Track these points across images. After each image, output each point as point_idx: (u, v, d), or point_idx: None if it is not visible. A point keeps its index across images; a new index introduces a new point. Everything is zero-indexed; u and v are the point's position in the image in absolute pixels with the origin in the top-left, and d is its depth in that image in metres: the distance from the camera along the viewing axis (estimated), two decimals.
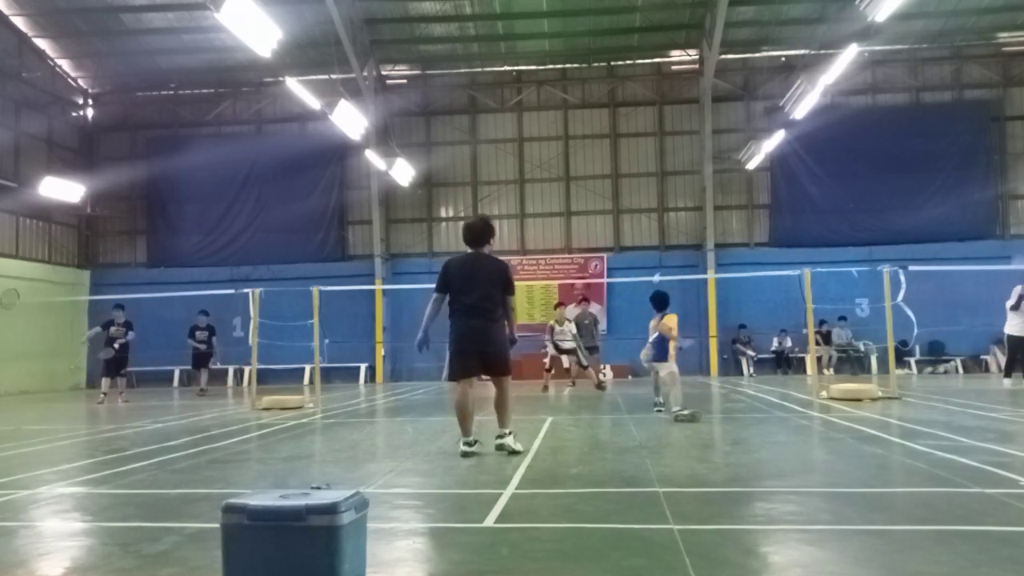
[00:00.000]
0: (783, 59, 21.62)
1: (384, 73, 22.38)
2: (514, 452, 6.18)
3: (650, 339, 9.98)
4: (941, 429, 7.25)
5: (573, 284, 21.13)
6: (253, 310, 12.62)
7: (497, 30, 21.13)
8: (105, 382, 14.83)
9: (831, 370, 19.51)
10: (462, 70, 22.80)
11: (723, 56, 20.61)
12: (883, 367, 17.07)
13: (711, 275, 20.08)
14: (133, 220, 23.36)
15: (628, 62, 22.49)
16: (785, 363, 20.47)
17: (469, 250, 6.52)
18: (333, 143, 21.18)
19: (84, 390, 20.58)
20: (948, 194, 20.55)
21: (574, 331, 15.49)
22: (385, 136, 21.31)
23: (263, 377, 16.22)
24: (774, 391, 13.51)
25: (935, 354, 20.18)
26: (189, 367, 17.84)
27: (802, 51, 20.67)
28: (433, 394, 15.43)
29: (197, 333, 16.70)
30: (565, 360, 20.22)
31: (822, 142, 20.74)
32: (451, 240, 22.62)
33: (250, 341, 12.82)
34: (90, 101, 23.61)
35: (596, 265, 21.72)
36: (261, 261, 21.79)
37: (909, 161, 20.63)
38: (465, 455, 6.16)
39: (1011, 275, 14.99)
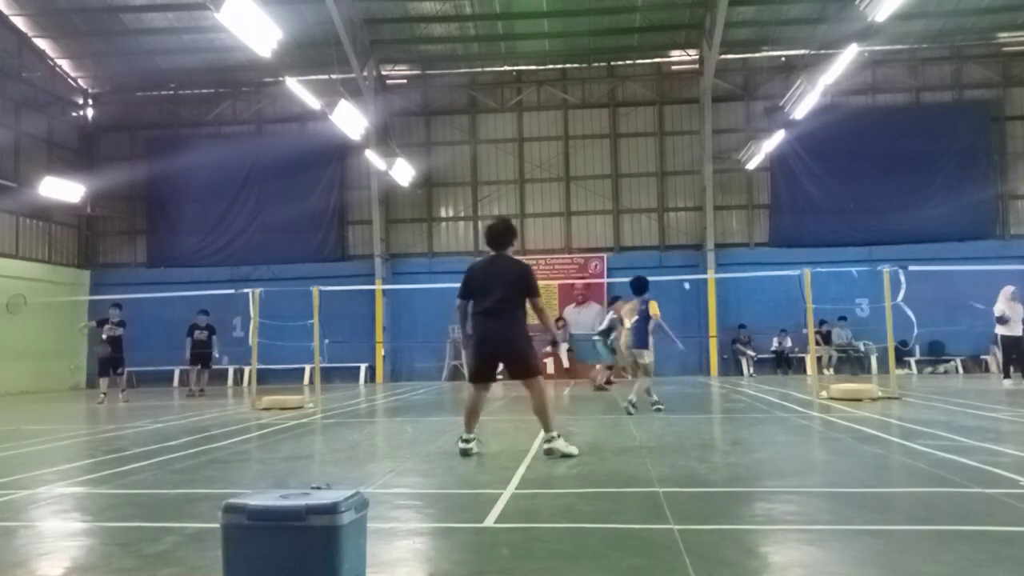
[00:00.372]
0: (783, 59, 21.62)
1: (384, 73, 22.38)
2: (567, 455, 5.94)
3: (628, 324, 10.00)
4: (941, 429, 7.25)
5: (573, 284, 21.15)
6: (253, 310, 12.62)
7: (497, 30, 21.13)
8: (103, 382, 14.85)
9: (831, 370, 19.51)
10: (462, 70, 22.80)
11: (723, 56, 20.60)
12: (883, 367, 17.07)
13: (711, 275, 20.08)
14: (133, 220, 23.35)
15: (628, 62, 22.49)
16: (785, 363, 20.47)
17: (492, 253, 6.47)
18: (333, 143, 21.18)
19: (84, 390, 20.58)
20: (948, 194, 20.55)
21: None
22: (385, 136, 21.31)
23: (263, 377, 16.22)
24: (774, 391, 13.51)
25: (935, 354, 20.18)
26: (188, 367, 17.80)
27: (802, 51, 20.67)
28: (433, 394, 15.43)
29: (196, 332, 16.70)
30: (566, 360, 20.31)
31: (822, 142, 20.74)
32: (451, 240, 22.64)
33: (250, 341, 12.82)
34: (90, 101, 23.61)
35: (596, 265, 21.72)
36: (261, 261, 21.79)
37: (909, 161, 20.63)
38: (463, 452, 6.17)
39: (1011, 275, 15.02)
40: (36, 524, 4.24)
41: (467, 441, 6.24)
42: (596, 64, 22.57)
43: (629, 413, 9.27)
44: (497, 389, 16.56)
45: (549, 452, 6.01)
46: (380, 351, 21.19)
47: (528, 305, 6.22)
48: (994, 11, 20.19)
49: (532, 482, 5.09)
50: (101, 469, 6.13)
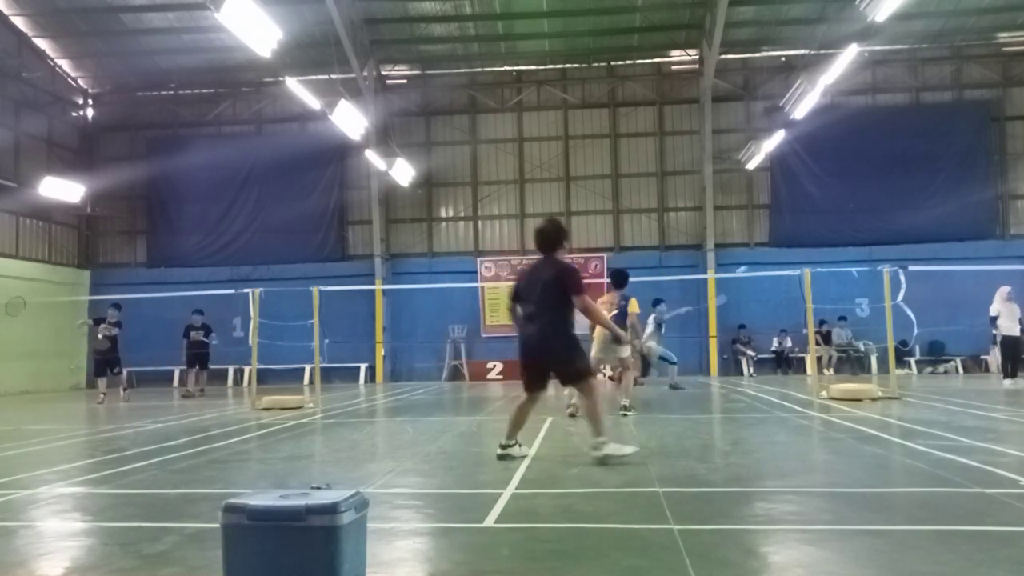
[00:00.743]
0: (783, 59, 21.62)
1: (384, 73, 22.38)
2: (621, 460, 5.60)
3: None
4: (941, 429, 7.25)
5: None
6: (253, 310, 12.62)
7: (497, 30, 21.13)
8: (101, 382, 14.85)
9: (831, 370, 19.51)
10: (462, 70, 22.80)
11: (723, 56, 20.61)
12: (883, 367, 17.07)
13: (711, 275, 20.07)
14: (133, 220, 23.36)
15: (628, 62, 22.49)
16: (785, 363, 20.47)
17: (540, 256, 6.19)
18: (333, 143, 21.18)
19: (84, 390, 20.58)
20: (948, 194, 20.55)
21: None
22: (385, 136, 21.31)
23: (263, 377, 16.21)
24: (774, 391, 13.51)
25: (935, 354, 20.19)
26: (186, 368, 17.79)
27: (802, 51, 20.67)
28: (433, 394, 15.43)
29: (192, 333, 16.69)
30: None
31: (822, 142, 20.74)
32: (451, 240, 22.64)
33: (250, 341, 12.82)
34: (90, 101, 23.61)
35: (596, 265, 21.71)
36: (261, 261, 21.79)
37: (909, 161, 20.63)
38: (500, 457, 5.94)
39: (1011, 275, 15.03)
40: (36, 524, 4.24)
41: (503, 447, 5.99)
42: (596, 64, 22.58)
43: (624, 415, 9.24)
44: (496, 389, 16.60)
45: (601, 461, 5.57)
46: (380, 351, 21.20)
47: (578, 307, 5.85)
48: (994, 11, 20.19)
49: (532, 482, 5.09)
50: (101, 469, 6.13)
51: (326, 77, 19.78)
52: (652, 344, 15.08)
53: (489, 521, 3.94)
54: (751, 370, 20.46)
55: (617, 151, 22.26)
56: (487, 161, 22.63)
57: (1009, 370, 14.09)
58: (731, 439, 7.40)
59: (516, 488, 4.82)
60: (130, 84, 23.23)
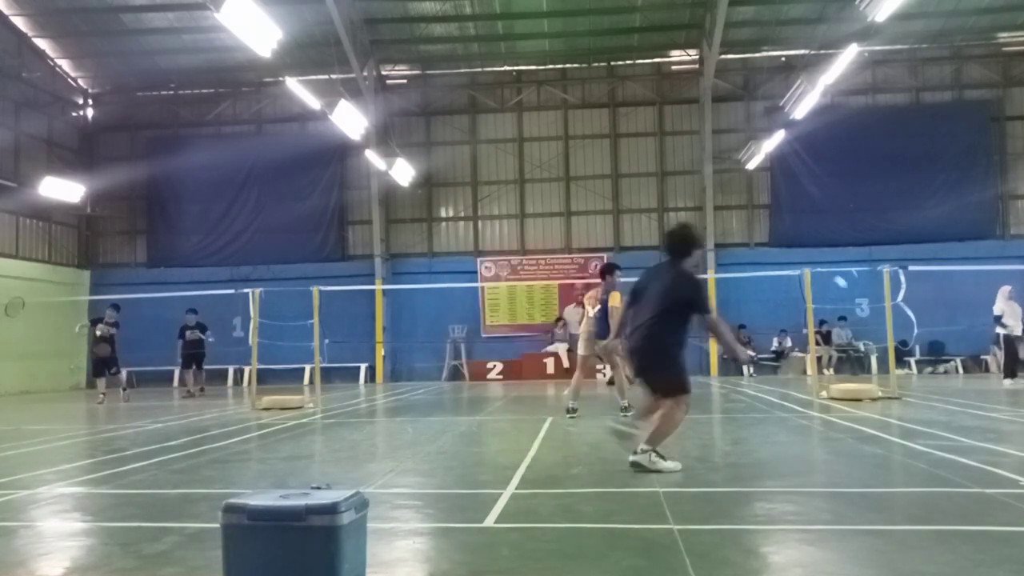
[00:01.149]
0: (783, 59, 21.62)
1: (384, 73, 22.38)
2: (656, 471, 5.27)
3: (591, 312, 9.60)
4: (941, 429, 7.25)
5: (573, 284, 21.15)
6: (253, 310, 12.61)
7: (497, 30, 21.13)
8: (100, 383, 14.85)
9: (831, 370, 19.51)
10: (462, 70, 22.79)
11: (723, 56, 20.60)
12: (883, 367, 17.07)
13: (711, 275, 20.04)
14: (133, 220, 23.35)
15: (628, 62, 22.48)
16: (786, 363, 20.46)
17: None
18: (333, 143, 21.17)
19: (84, 390, 20.58)
20: (948, 194, 20.54)
21: None
22: (385, 136, 21.31)
23: (263, 377, 16.20)
24: (774, 391, 13.51)
25: (935, 354, 20.18)
26: (183, 369, 17.80)
27: (802, 51, 20.66)
28: (433, 394, 15.43)
29: (188, 333, 16.69)
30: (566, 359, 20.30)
31: (822, 142, 20.73)
32: (451, 240, 22.63)
33: (250, 341, 12.82)
34: (90, 101, 23.60)
35: (596, 265, 21.67)
36: (261, 261, 21.78)
37: (909, 161, 20.62)
38: (620, 433, 5.76)
39: (1011, 275, 15.03)
40: (36, 524, 4.24)
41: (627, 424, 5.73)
42: (596, 64, 22.57)
43: (625, 415, 9.20)
44: (496, 389, 16.61)
45: (635, 464, 5.32)
46: (380, 351, 21.19)
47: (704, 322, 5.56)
48: (994, 11, 20.18)
49: (532, 482, 5.09)
50: (101, 469, 6.13)
51: (326, 77, 19.77)
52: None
53: (489, 521, 3.95)
54: (751, 370, 20.45)
55: (617, 151, 22.25)
56: (487, 161, 22.63)
57: (1014, 371, 14.10)
58: (731, 439, 7.41)
59: (516, 488, 4.83)
60: (130, 84, 23.23)
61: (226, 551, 2.67)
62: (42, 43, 21.58)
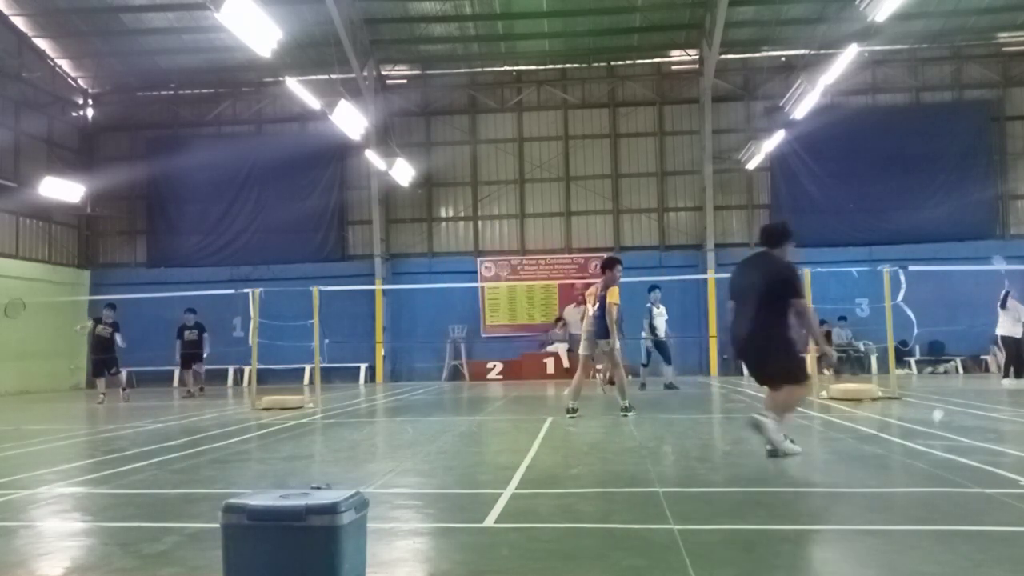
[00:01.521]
0: (783, 59, 21.62)
1: (384, 73, 22.38)
2: (787, 454, 5.59)
3: (590, 311, 9.35)
4: (941, 429, 7.25)
5: (573, 284, 21.15)
6: (253, 310, 12.61)
7: (497, 30, 21.13)
8: (100, 383, 14.85)
9: (831, 370, 19.48)
10: (462, 70, 22.79)
11: (723, 56, 20.60)
12: (883, 367, 17.06)
13: (711, 275, 20.07)
14: (133, 220, 23.36)
15: (628, 62, 22.48)
16: None
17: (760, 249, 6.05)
18: (333, 143, 21.17)
19: (84, 390, 20.57)
20: (948, 194, 20.55)
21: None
22: (385, 136, 21.31)
23: (263, 377, 16.20)
24: None
25: (935, 354, 20.18)
26: (181, 369, 17.79)
27: (802, 51, 20.66)
28: (433, 394, 15.43)
29: (186, 333, 16.68)
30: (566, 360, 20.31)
31: (822, 142, 20.73)
32: (451, 240, 22.63)
33: (250, 341, 12.81)
34: (90, 101, 23.61)
35: (596, 265, 21.68)
36: (261, 261, 21.78)
37: (909, 161, 20.63)
38: (754, 425, 5.77)
39: (1011, 275, 15.02)
40: (36, 524, 4.24)
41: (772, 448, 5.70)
42: (596, 64, 22.57)
43: (625, 415, 9.20)
44: (496, 389, 16.61)
45: (772, 453, 5.63)
46: (380, 351, 21.19)
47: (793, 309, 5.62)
48: (994, 11, 20.19)
49: (532, 482, 5.09)
50: (101, 469, 6.13)
51: (326, 77, 19.78)
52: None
53: (489, 521, 3.94)
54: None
55: (617, 151, 22.26)
56: (487, 161, 22.63)
57: (1010, 371, 14.11)
58: (731, 439, 7.41)
59: (516, 488, 4.82)
60: (130, 84, 23.23)
61: (226, 551, 2.67)
62: (42, 43, 21.58)
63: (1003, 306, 14.34)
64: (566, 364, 20.11)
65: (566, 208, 22.24)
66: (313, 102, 17.35)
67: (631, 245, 21.88)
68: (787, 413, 5.66)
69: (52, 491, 5.14)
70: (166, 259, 22.64)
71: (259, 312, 12.59)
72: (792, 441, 5.74)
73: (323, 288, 13.03)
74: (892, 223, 20.55)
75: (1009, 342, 14.44)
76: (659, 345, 15.01)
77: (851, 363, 19.98)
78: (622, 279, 9.46)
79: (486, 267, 21.92)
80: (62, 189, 20.12)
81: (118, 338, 14.85)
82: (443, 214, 22.75)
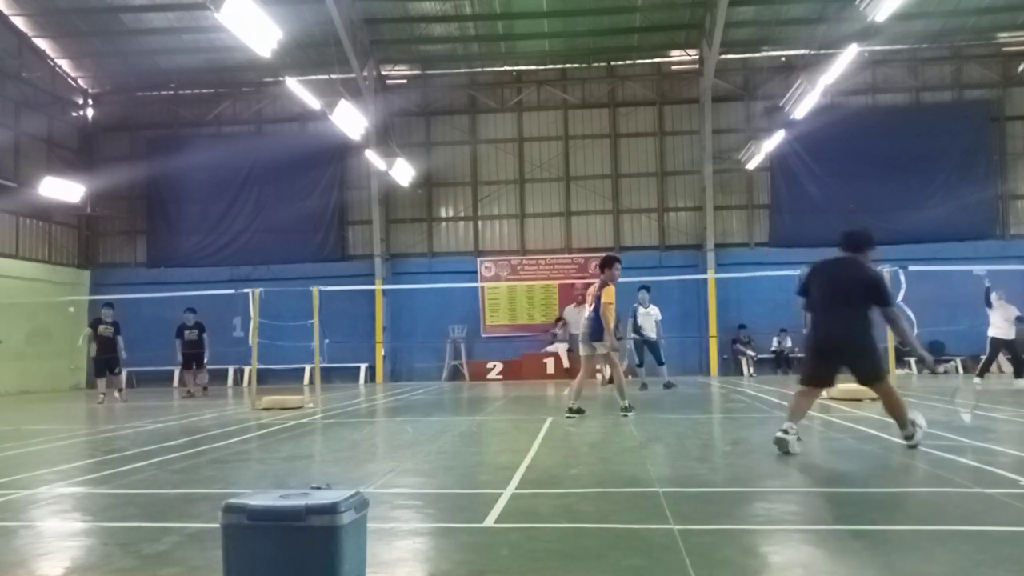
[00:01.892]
0: (783, 59, 21.62)
1: (384, 73, 22.38)
2: (919, 441, 5.98)
3: (586, 313, 9.25)
4: (941, 429, 7.24)
5: (573, 284, 21.16)
6: (253, 310, 12.61)
7: (497, 30, 21.13)
8: (101, 383, 14.85)
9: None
10: (462, 70, 22.79)
11: (723, 56, 20.60)
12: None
13: (711, 275, 20.08)
14: (133, 220, 23.36)
15: (628, 62, 22.48)
16: (785, 363, 20.46)
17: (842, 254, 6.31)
18: (333, 143, 21.17)
19: (84, 390, 20.58)
20: (948, 194, 20.55)
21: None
22: (385, 136, 21.31)
23: (263, 377, 16.21)
24: (774, 391, 13.50)
25: (935, 354, 20.08)
26: (182, 369, 17.79)
27: (802, 51, 20.66)
28: (433, 394, 15.43)
29: (186, 333, 16.69)
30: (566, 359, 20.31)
31: (822, 142, 20.73)
32: (451, 240, 22.63)
33: (250, 341, 12.82)
34: (90, 101, 23.61)
35: (596, 266, 21.68)
36: (261, 261, 21.79)
37: (909, 161, 20.62)
38: (777, 442, 5.89)
39: (1011, 275, 15.03)
40: (36, 524, 4.24)
41: (785, 434, 5.85)
42: (596, 64, 22.57)
43: (624, 414, 9.20)
44: (496, 389, 16.61)
45: (912, 447, 5.94)
46: (380, 351, 21.20)
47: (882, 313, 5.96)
48: (994, 11, 20.19)
49: (532, 482, 5.09)
50: (101, 469, 6.13)
51: (326, 77, 19.79)
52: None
53: (489, 521, 3.94)
54: (751, 370, 20.45)
55: (617, 151, 22.26)
56: (487, 161, 22.63)
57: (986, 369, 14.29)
58: (731, 439, 7.41)
59: (516, 488, 4.82)
60: (130, 84, 23.23)
61: (226, 551, 2.67)
62: (42, 43, 21.58)
63: (988, 304, 14.41)
64: (566, 364, 20.12)
65: (566, 208, 22.25)
66: (313, 102, 17.35)
67: (631, 245, 21.88)
68: (903, 408, 6.01)
69: (52, 491, 5.14)
70: (166, 259, 22.65)
71: (259, 312, 12.59)
72: (799, 438, 5.94)
73: (323, 288, 13.04)
74: (892, 223, 20.51)
75: (996, 344, 14.50)
76: (650, 346, 14.99)
77: None
78: (620, 279, 9.40)
79: (486, 267, 21.92)
80: (62, 189, 20.12)
81: (120, 340, 14.89)
82: (443, 214, 22.75)
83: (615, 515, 4.10)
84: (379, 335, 21.21)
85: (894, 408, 6.02)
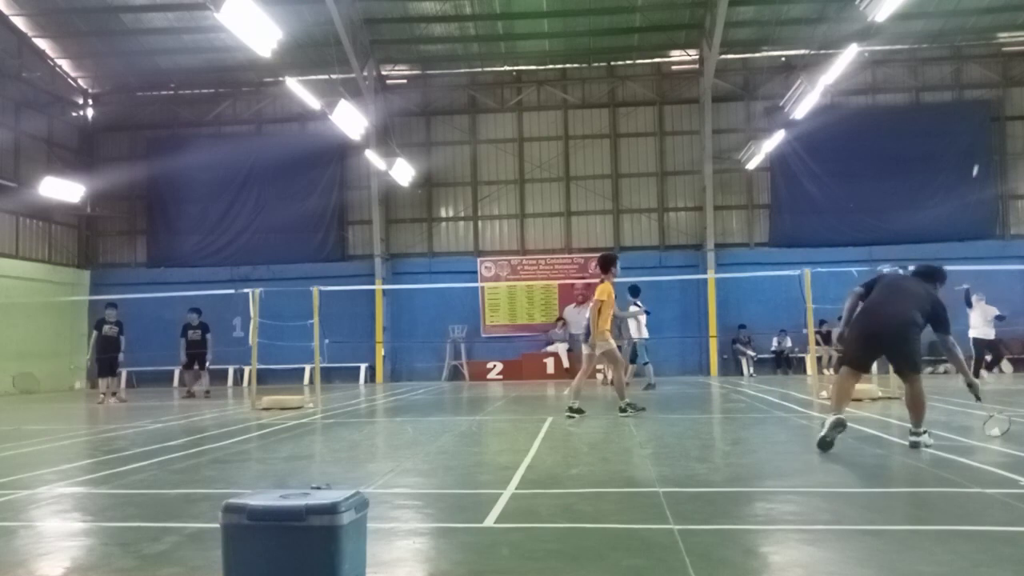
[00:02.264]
0: (783, 59, 21.62)
1: (384, 73, 22.38)
2: (928, 444, 6.05)
3: (588, 313, 9.27)
4: (941, 429, 7.25)
5: (573, 284, 21.17)
6: (253, 310, 12.61)
7: (497, 30, 21.13)
8: (103, 383, 14.85)
9: (831, 370, 19.49)
10: (462, 70, 22.79)
11: (723, 56, 20.60)
12: (883, 367, 17.03)
13: (711, 275, 20.08)
14: (133, 220, 23.36)
15: (628, 62, 22.48)
16: (785, 363, 20.46)
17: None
18: (333, 143, 21.17)
19: (84, 390, 20.58)
20: (948, 194, 20.54)
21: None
22: (385, 136, 21.31)
23: (263, 377, 16.21)
24: (774, 391, 13.51)
25: (935, 354, 20.09)
26: (184, 369, 17.77)
27: (802, 51, 20.66)
28: (433, 394, 15.43)
29: (190, 332, 16.68)
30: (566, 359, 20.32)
31: (822, 142, 20.73)
32: (451, 240, 22.63)
33: (250, 341, 12.82)
34: (90, 101, 23.61)
35: (596, 266, 21.68)
36: (261, 261, 21.79)
37: (909, 161, 20.62)
38: (835, 425, 5.94)
39: (1011, 275, 15.04)
40: (36, 524, 4.24)
41: (837, 425, 5.94)
42: (596, 64, 22.57)
43: (623, 413, 9.19)
44: (496, 389, 16.61)
45: (914, 445, 6.03)
46: (380, 351, 21.20)
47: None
48: (994, 11, 20.18)
49: (532, 482, 5.09)
50: (101, 469, 6.13)
51: (326, 77, 19.77)
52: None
53: (489, 521, 3.94)
54: (751, 370, 20.45)
55: (617, 151, 22.26)
56: (487, 161, 22.63)
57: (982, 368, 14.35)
58: (731, 439, 7.41)
59: (516, 488, 4.82)
60: (130, 84, 23.23)
61: (226, 551, 2.67)
62: (42, 43, 21.58)
63: (968, 304, 14.47)
64: (566, 364, 20.12)
65: (566, 208, 22.24)
66: (313, 102, 17.34)
67: (631, 245, 21.88)
68: (923, 409, 6.19)
69: (52, 491, 5.14)
70: (166, 259, 22.64)
71: (259, 312, 12.59)
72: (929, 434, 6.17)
73: (323, 288, 13.04)
74: (892, 223, 20.54)
75: (980, 344, 14.55)
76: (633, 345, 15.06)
77: None
78: (623, 280, 9.38)
79: (486, 267, 21.92)
80: (62, 189, 20.12)
81: (122, 340, 14.91)
82: (443, 214, 22.75)
83: (615, 515, 4.10)
84: (379, 335, 21.21)
85: (917, 405, 6.16)
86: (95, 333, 15.02)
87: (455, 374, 21.31)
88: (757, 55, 21.86)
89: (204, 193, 22.45)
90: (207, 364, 16.83)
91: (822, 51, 18.54)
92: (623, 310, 14.72)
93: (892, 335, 6.16)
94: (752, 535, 3.66)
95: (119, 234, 23.44)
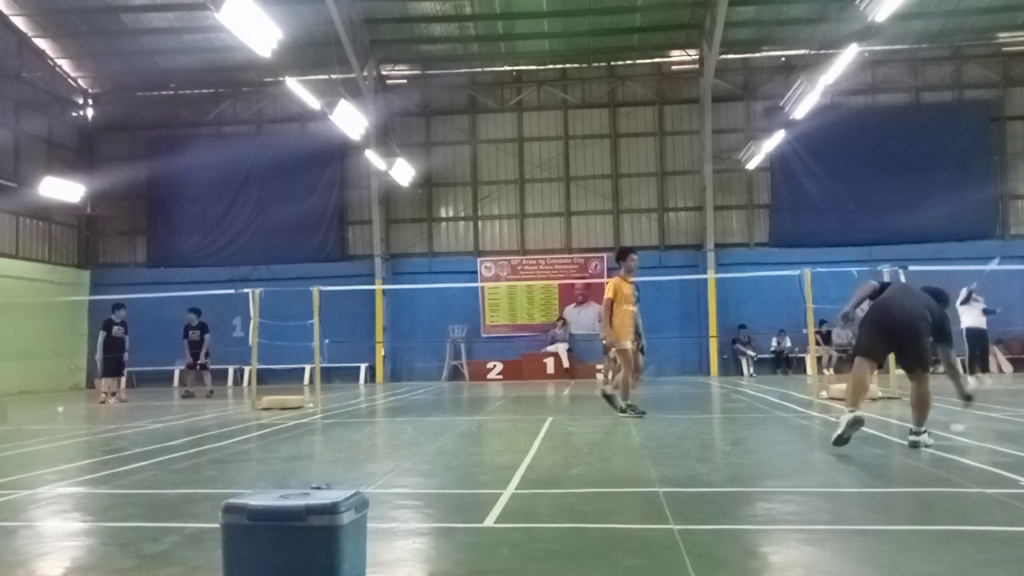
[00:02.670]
0: (783, 59, 21.62)
1: (384, 73, 22.38)
2: (929, 444, 6.06)
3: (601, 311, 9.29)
4: (941, 429, 7.24)
5: (573, 284, 21.17)
6: (253, 310, 12.61)
7: (497, 30, 21.13)
8: (106, 383, 14.85)
9: (831, 370, 19.50)
10: (462, 70, 22.80)
11: (723, 56, 20.60)
12: (883, 367, 17.04)
13: (711, 275, 20.08)
14: (133, 220, 23.36)
15: (628, 62, 22.49)
16: (785, 363, 20.46)
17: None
18: (333, 143, 21.17)
19: (84, 390, 20.58)
20: (948, 194, 20.54)
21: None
22: (385, 136, 21.31)
23: (263, 377, 16.21)
24: (774, 391, 13.51)
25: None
26: (186, 369, 17.76)
27: (802, 51, 20.66)
28: (433, 394, 15.43)
29: (191, 333, 16.69)
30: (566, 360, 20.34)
31: (822, 142, 20.73)
32: (451, 240, 22.63)
33: (250, 341, 12.82)
34: (90, 101, 23.62)
35: (596, 265, 21.72)
36: (261, 261, 21.79)
37: (909, 161, 20.63)
38: (854, 422, 5.98)
39: (1011, 275, 15.03)
40: (36, 524, 4.24)
41: (855, 422, 5.96)
42: (596, 64, 22.58)
43: (624, 413, 9.17)
44: (496, 389, 16.61)
45: (914, 445, 6.04)
46: (380, 351, 21.20)
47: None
48: (994, 11, 20.19)
49: (532, 482, 5.08)
50: (101, 469, 6.13)
51: (326, 77, 19.77)
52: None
53: (489, 521, 3.94)
54: (751, 370, 20.45)
55: (617, 151, 22.26)
56: (487, 161, 22.63)
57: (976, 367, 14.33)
58: (731, 439, 7.41)
59: (516, 488, 4.82)
60: (130, 84, 23.24)
61: (226, 551, 2.67)
62: (42, 43, 21.58)
63: (965, 301, 14.47)
64: (566, 364, 20.13)
65: (566, 208, 22.25)
66: (313, 102, 17.35)
67: (631, 245, 21.85)
68: (928, 408, 6.20)
69: (52, 491, 5.14)
70: (166, 259, 22.65)
71: (259, 312, 12.59)
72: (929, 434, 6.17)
73: (323, 288, 13.04)
74: (892, 223, 20.55)
75: (973, 333, 14.53)
76: None
77: (851, 363, 19.98)
78: (634, 279, 9.29)
79: (486, 267, 21.93)
80: (62, 189, 20.12)
81: (127, 341, 14.93)
82: (443, 214, 22.76)
83: (615, 515, 4.10)
84: (379, 335, 21.21)
85: (923, 404, 6.16)
86: (103, 334, 14.98)
87: (455, 374, 21.31)
88: (757, 55, 21.86)
89: (204, 193, 22.46)
90: (208, 364, 16.84)
91: (822, 51, 18.53)
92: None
93: (907, 327, 6.20)
94: (752, 535, 3.66)
95: (119, 234, 23.44)
